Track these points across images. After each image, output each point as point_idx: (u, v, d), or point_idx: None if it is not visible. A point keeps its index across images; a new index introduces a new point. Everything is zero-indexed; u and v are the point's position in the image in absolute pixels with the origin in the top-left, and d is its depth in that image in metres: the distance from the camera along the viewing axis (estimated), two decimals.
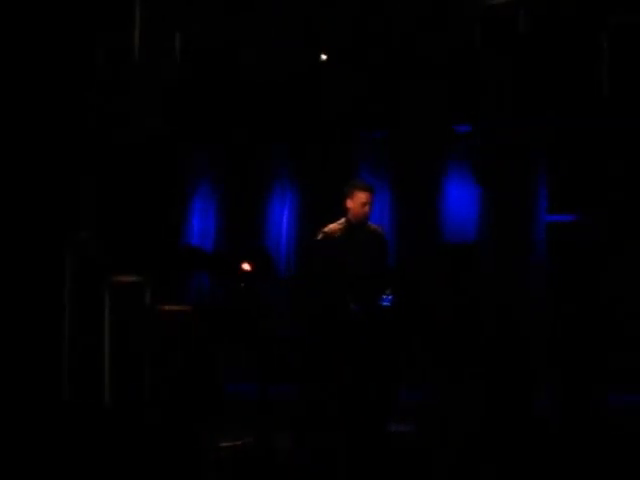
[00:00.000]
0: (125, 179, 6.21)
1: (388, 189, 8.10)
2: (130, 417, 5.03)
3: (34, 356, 5.00)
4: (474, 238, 7.48)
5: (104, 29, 5.74)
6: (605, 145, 5.23)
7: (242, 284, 5.40)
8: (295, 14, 6.44)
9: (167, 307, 4.99)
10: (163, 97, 6.15)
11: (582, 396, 4.83)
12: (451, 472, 4.65)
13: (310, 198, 8.26)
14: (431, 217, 7.92)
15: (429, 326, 5.45)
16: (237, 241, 8.07)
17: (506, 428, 5.11)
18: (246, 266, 5.38)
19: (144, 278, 5.08)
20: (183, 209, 8.28)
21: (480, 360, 5.38)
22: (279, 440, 5.09)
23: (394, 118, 7.60)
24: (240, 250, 7.26)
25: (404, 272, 6.18)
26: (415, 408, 5.57)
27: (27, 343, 5.02)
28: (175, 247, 7.42)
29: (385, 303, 5.42)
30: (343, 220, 5.73)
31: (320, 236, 5.69)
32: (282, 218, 8.36)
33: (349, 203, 5.68)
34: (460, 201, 7.82)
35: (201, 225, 8.34)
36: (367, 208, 5.65)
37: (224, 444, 5.04)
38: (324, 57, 5.96)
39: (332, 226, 5.74)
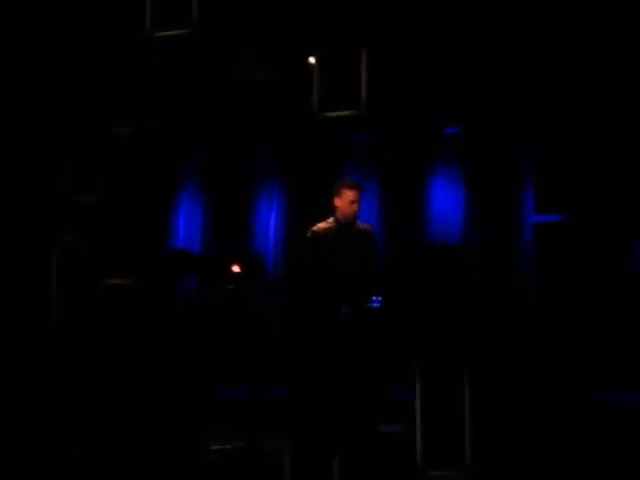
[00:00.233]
0: (118, 180, 6.20)
1: (375, 190, 8.12)
2: (120, 418, 5.02)
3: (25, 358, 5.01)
4: (461, 239, 7.52)
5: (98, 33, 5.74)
6: (594, 146, 5.26)
7: (231, 286, 5.40)
8: (284, 17, 6.44)
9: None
10: (155, 100, 6.14)
11: (573, 395, 4.86)
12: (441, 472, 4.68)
13: (297, 199, 8.27)
14: (418, 218, 7.94)
15: (418, 327, 5.46)
16: (224, 243, 8.07)
17: (499, 429, 5.13)
18: (236, 268, 5.38)
19: (134, 280, 5.07)
20: (172, 212, 8.28)
21: (470, 361, 5.39)
22: (269, 443, 5.09)
23: (382, 120, 7.61)
24: (229, 252, 7.26)
25: (393, 273, 6.18)
26: (405, 409, 5.58)
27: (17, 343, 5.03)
28: (164, 250, 7.42)
29: (375, 304, 5.43)
30: (332, 219, 5.73)
31: (309, 235, 5.69)
32: (269, 220, 8.36)
33: (337, 202, 5.68)
34: (447, 202, 7.85)
35: (187, 227, 8.33)
36: (355, 206, 5.66)
37: (214, 447, 5.03)
38: (312, 60, 5.95)
39: (321, 225, 5.74)
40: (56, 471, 4.66)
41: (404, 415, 5.49)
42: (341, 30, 6.16)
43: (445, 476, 4.69)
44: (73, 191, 5.33)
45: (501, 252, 7.16)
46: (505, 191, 7.23)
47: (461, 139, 7.61)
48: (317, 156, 8.10)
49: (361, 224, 5.79)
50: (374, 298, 5.44)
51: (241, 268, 5.39)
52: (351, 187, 5.68)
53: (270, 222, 8.35)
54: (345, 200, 5.65)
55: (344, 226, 5.67)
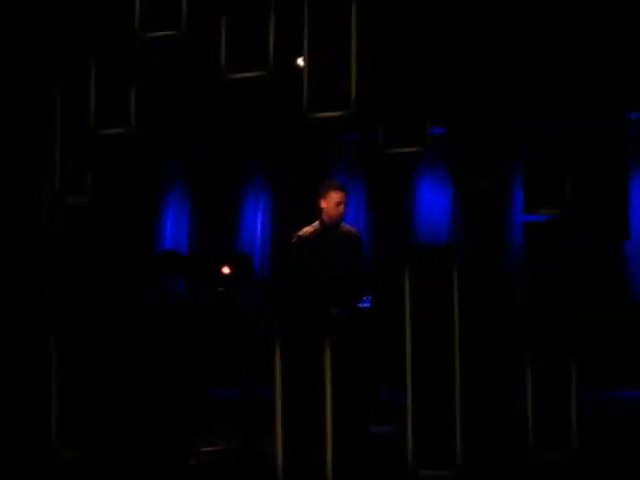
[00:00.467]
0: (102, 183, 6.18)
1: (362, 191, 8.14)
2: (114, 421, 5.01)
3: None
4: (449, 239, 7.56)
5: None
6: (583, 145, 5.29)
7: (222, 288, 5.40)
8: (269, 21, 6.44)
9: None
10: (138, 102, 6.12)
11: (562, 395, 4.89)
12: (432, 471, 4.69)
13: (283, 201, 8.27)
14: (406, 218, 7.97)
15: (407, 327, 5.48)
16: (211, 245, 8.07)
17: (490, 428, 5.16)
18: (226, 270, 5.38)
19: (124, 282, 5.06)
20: (157, 214, 8.27)
21: (459, 361, 5.42)
22: (265, 443, 5.08)
23: (368, 121, 7.62)
24: (219, 254, 7.26)
25: (381, 273, 6.20)
26: (395, 409, 5.60)
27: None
28: (153, 252, 7.41)
29: (364, 305, 5.44)
30: (317, 223, 5.73)
31: (295, 240, 5.69)
32: (256, 221, 8.36)
33: (323, 203, 5.68)
34: (434, 202, 7.88)
35: (174, 230, 8.32)
36: (342, 208, 5.66)
37: (208, 449, 5.03)
38: (301, 62, 5.95)
39: (306, 229, 5.74)
40: (51, 473, 4.66)
41: (395, 415, 5.52)
42: (332, 30, 6.16)
43: (436, 475, 4.71)
44: (65, 193, 5.31)
45: (489, 252, 7.20)
46: (494, 190, 7.27)
47: (448, 138, 7.63)
48: (303, 157, 8.12)
49: (346, 226, 5.80)
50: (363, 298, 5.45)
51: (231, 269, 5.38)
52: (337, 189, 5.69)
53: (257, 223, 8.35)
54: (331, 202, 5.65)
55: (329, 228, 5.67)
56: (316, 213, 5.81)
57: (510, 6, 5.53)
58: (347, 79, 5.33)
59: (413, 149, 6.67)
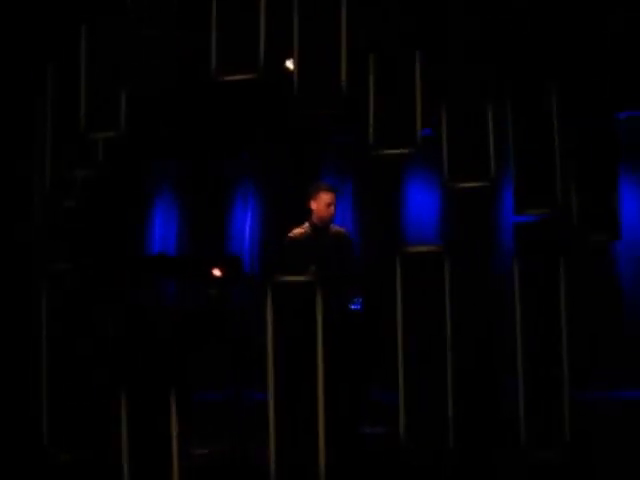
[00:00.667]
0: (94, 185, 6.16)
1: (350, 192, 8.14)
2: (101, 423, 4.99)
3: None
4: (440, 240, 7.57)
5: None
6: (573, 145, 5.31)
7: (213, 290, 5.38)
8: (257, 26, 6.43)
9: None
10: (127, 104, 6.11)
11: (551, 395, 4.91)
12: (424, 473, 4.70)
13: (272, 202, 8.27)
14: (395, 219, 7.98)
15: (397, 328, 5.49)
16: (200, 247, 8.06)
17: (475, 428, 5.17)
18: (216, 272, 5.37)
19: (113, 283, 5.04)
20: (145, 216, 8.25)
21: (449, 361, 5.42)
22: (254, 446, 5.08)
23: (357, 122, 7.63)
24: (210, 255, 7.25)
25: (372, 275, 6.20)
26: (388, 410, 5.60)
27: None
28: (143, 253, 7.39)
29: (355, 306, 5.44)
30: (306, 224, 5.74)
31: (286, 241, 5.70)
32: (244, 223, 8.35)
33: (313, 205, 5.70)
34: (423, 203, 7.90)
35: (163, 231, 8.30)
36: (332, 209, 5.69)
37: (196, 451, 5.02)
38: (290, 65, 5.94)
39: (296, 231, 5.75)
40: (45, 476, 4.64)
41: (386, 416, 5.52)
42: (321, 32, 6.16)
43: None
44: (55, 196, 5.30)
45: (479, 253, 7.23)
46: (484, 191, 7.28)
47: (436, 139, 7.64)
48: (292, 158, 8.12)
49: (335, 227, 5.81)
50: (354, 300, 5.46)
51: (222, 271, 5.37)
52: (327, 190, 5.72)
53: (245, 224, 8.34)
54: (321, 203, 5.67)
55: (320, 229, 5.68)
56: (305, 214, 5.82)
57: (503, 7, 5.54)
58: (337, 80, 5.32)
59: (404, 150, 6.69)
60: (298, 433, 5.09)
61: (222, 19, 5.48)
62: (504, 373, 5.59)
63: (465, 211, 7.53)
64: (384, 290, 5.71)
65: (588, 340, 6.68)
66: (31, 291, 5.08)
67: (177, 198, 8.37)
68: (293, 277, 4.82)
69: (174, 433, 4.73)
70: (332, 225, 5.78)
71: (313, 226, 5.70)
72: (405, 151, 5.60)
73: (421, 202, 7.93)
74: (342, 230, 5.88)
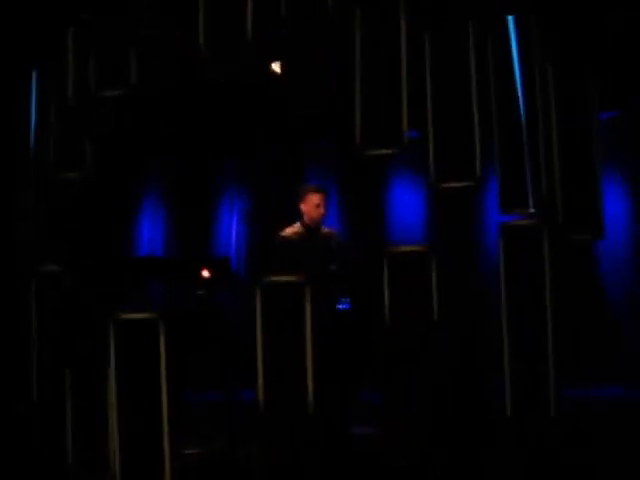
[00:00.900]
0: (73, 189, 6.16)
1: (336, 194, 8.17)
2: (92, 424, 5.00)
3: None
4: (425, 241, 7.61)
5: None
6: (557, 145, 5.37)
7: (201, 292, 5.40)
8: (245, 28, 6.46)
9: (128, 316, 4.92)
10: (114, 107, 6.12)
11: (539, 394, 4.95)
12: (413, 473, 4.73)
13: (258, 204, 8.28)
14: (380, 221, 8.02)
15: (385, 328, 5.53)
16: (187, 248, 8.06)
17: (463, 427, 5.20)
18: (205, 273, 5.39)
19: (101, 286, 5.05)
20: (133, 218, 8.24)
21: (435, 361, 5.47)
22: (246, 446, 5.10)
23: (343, 125, 7.67)
24: (198, 257, 7.27)
25: (359, 275, 6.24)
26: (377, 410, 5.64)
27: None
28: (130, 255, 7.39)
29: (344, 306, 5.48)
30: (298, 224, 5.78)
31: (277, 240, 5.73)
32: (231, 224, 8.36)
33: (303, 206, 5.75)
34: (409, 205, 7.94)
35: (150, 233, 8.30)
36: (321, 210, 5.73)
37: (189, 451, 5.04)
38: (277, 67, 5.98)
39: (288, 230, 5.79)
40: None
41: (375, 416, 5.56)
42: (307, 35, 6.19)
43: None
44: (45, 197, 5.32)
45: (465, 253, 7.28)
46: (468, 191, 7.33)
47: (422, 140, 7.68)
48: (278, 161, 8.14)
49: (326, 228, 5.86)
50: (343, 300, 5.49)
51: (210, 273, 5.40)
52: (315, 191, 5.76)
53: (232, 226, 8.35)
54: (310, 204, 5.72)
55: (311, 230, 5.73)
56: (291, 215, 5.85)
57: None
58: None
59: (389, 151, 6.72)
60: (287, 431, 5.12)
61: (210, 18, 5.52)
62: (491, 372, 5.65)
63: (450, 211, 7.58)
64: (371, 290, 5.76)
65: (573, 338, 6.75)
66: (21, 292, 5.09)
67: (164, 199, 8.37)
68: (282, 277, 4.86)
69: (165, 433, 4.75)
70: (323, 227, 5.83)
71: (305, 227, 5.75)
72: (389, 152, 5.64)
73: (407, 203, 7.98)
74: (333, 232, 5.93)
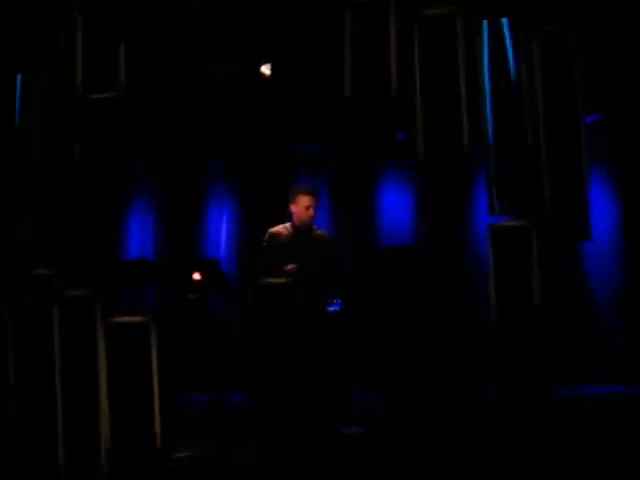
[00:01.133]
0: (64, 193, 6.16)
1: (325, 195, 8.18)
2: (82, 430, 5.00)
3: None
4: (414, 242, 7.64)
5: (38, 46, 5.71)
6: (544, 147, 5.41)
7: (192, 295, 5.42)
8: (234, 31, 6.49)
9: (120, 319, 4.94)
10: (101, 111, 6.13)
11: (528, 394, 4.99)
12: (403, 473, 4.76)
13: (248, 208, 8.28)
14: (369, 222, 8.04)
15: (377, 329, 5.56)
16: (177, 251, 8.04)
17: (455, 428, 5.23)
18: (196, 276, 5.40)
19: (94, 291, 5.05)
20: (122, 221, 8.22)
21: (426, 361, 5.50)
22: (237, 448, 5.12)
23: (332, 127, 7.70)
24: (189, 260, 7.26)
25: (350, 276, 6.27)
26: (368, 410, 5.66)
27: None
28: (122, 259, 7.38)
29: (334, 307, 5.50)
30: (289, 224, 5.80)
31: (266, 237, 5.75)
32: (221, 226, 8.35)
33: (293, 208, 5.76)
34: (397, 206, 7.96)
35: (140, 236, 8.28)
36: (311, 211, 5.74)
37: (180, 455, 5.05)
38: (266, 70, 6.01)
39: (278, 228, 5.81)
40: None
41: (367, 416, 5.58)
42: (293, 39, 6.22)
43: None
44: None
45: (453, 254, 7.30)
46: (458, 193, 7.39)
47: (410, 143, 7.71)
48: (267, 162, 8.14)
49: (319, 230, 5.87)
50: (334, 301, 5.51)
51: (201, 275, 5.41)
52: (306, 193, 5.77)
53: (221, 227, 8.35)
54: (300, 206, 5.73)
55: (301, 231, 5.74)
56: (281, 218, 5.87)
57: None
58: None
59: (378, 154, 6.76)
60: (279, 435, 5.15)
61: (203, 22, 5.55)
62: (483, 371, 5.68)
63: (439, 212, 7.62)
64: (362, 291, 5.79)
65: (561, 337, 6.80)
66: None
67: (153, 201, 8.36)
68: (273, 279, 4.88)
69: (157, 436, 4.77)
70: (315, 228, 5.83)
71: (295, 228, 5.76)
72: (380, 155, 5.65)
73: (395, 204, 8.00)
74: (325, 233, 5.95)
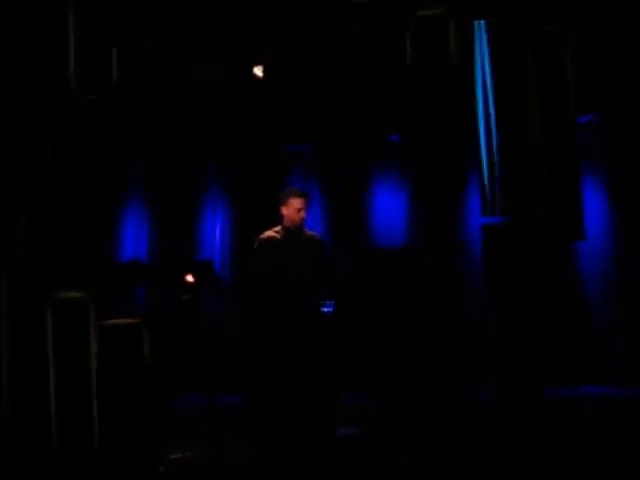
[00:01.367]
0: (58, 194, 6.14)
1: (318, 196, 8.19)
2: (77, 433, 4.98)
3: None
4: (406, 242, 7.64)
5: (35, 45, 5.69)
6: (536, 147, 5.42)
7: (185, 297, 5.40)
8: (228, 33, 6.49)
9: (112, 321, 4.92)
10: (97, 111, 6.11)
11: (520, 394, 5.00)
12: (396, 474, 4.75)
13: (241, 209, 8.28)
14: (362, 224, 8.05)
15: (371, 330, 5.56)
16: (171, 252, 8.04)
17: (447, 428, 5.23)
18: (189, 278, 5.39)
19: (87, 294, 5.03)
20: (117, 222, 8.22)
21: (420, 361, 5.50)
22: (231, 450, 5.11)
23: (325, 129, 7.71)
24: (182, 262, 7.25)
25: (343, 278, 6.26)
26: (361, 411, 5.66)
27: None
28: (115, 260, 7.36)
29: (327, 309, 5.50)
30: (279, 227, 5.78)
31: (257, 243, 5.72)
32: (214, 229, 8.36)
33: (284, 210, 5.73)
34: (390, 207, 7.97)
35: (133, 239, 8.27)
36: (302, 214, 5.72)
37: (174, 456, 5.04)
38: (258, 72, 6.01)
39: (268, 233, 5.78)
40: None
41: (359, 418, 5.58)
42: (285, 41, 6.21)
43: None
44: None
45: (445, 255, 7.30)
46: (450, 193, 7.38)
47: (403, 145, 7.74)
48: (260, 164, 8.14)
49: (308, 232, 5.86)
50: (327, 302, 5.51)
51: (194, 277, 5.39)
52: (297, 195, 5.74)
53: (215, 230, 8.35)
54: (291, 208, 5.70)
55: (292, 233, 5.72)
56: (274, 219, 5.86)
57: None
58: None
59: (370, 155, 6.74)
60: (274, 436, 5.15)
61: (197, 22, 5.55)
62: (479, 372, 5.68)
63: (432, 213, 7.61)
64: (355, 292, 5.79)
65: (556, 337, 6.81)
66: None
67: (147, 203, 8.35)
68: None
69: (150, 437, 4.75)
70: (305, 230, 5.82)
71: (285, 230, 5.74)
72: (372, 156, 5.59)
73: (388, 205, 8.01)
74: (315, 235, 5.93)
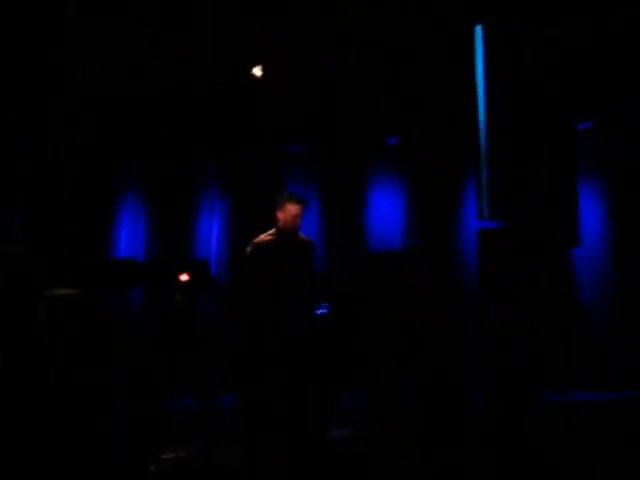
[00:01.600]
0: (56, 193, 6.16)
1: (315, 199, 8.19)
2: (69, 430, 4.98)
3: None
4: (404, 245, 7.65)
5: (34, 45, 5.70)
6: (533, 153, 5.42)
7: (179, 296, 5.40)
8: (228, 33, 6.49)
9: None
10: (95, 111, 6.12)
11: (516, 397, 4.99)
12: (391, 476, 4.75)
13: (238, 210, 8.29)
14: (359, 227, 8.05)
15: (367, 332, 5.56)
16: (168, 252, 8.05)
17: (444, 430, 5.23)
18: (184, 277, 5.39)
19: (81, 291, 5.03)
20: (112, 222, 8.23)
21: (416, 365, 5.50)
22: (223, 450, 5.11)
23: (324, 130, 7.71)
24: (177, 261, 7.25)
25: (338, 280, 6.26)
26: (356, 414, 5.66)
27: None
28: (110, 259, 7.36)
29: (322, 311, 5.49)
30: (273, 230, 5.76)
31: (249, 249, 5.69)
32: (211, 229, 8.36)
33: (280, 214, 5.70)
34: (388, 211, 7.97)
35: (130, 238, 8.28)
36: (298, 220, 5.70)
37: (166, 456, 5.03)
38: (258, 72, 6.00)
39: (262, 237, 5.76)
40: None
41: (354, 420, 5.58)
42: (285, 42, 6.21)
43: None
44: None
45: (442, 259, 7.31)
46: (446, 198, 7.40)
47: (401, 148, 7.75)
48: (257, 166, 8.15)
49: (301, 235, 5.84)
50: (321, 305, 5.50)
51: (189, 276, 5.39)
52: (294, 202, 5.70)
53: (212, 230, 8.35)
54: (288, 214, 5.67)
55: (286, 236, 5.70)
56: (270, 221, 5.85)
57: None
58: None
59: (369, 156, 6.72)
60: (269, 437, 5.14)
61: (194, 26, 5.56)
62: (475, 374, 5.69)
63: (429, 216, 7.63)
64: (350, 294, 5.79)
65: (552, 341, 6.80)
66: None
67: (144, 203, 8.36)
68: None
69: (142, 438, 4.75)
70: (300, 234, 5.81)
71: (279, 233, 5.73)
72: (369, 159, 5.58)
73: (385, 207, 8.01)
74: (309, 239, 5.92)
